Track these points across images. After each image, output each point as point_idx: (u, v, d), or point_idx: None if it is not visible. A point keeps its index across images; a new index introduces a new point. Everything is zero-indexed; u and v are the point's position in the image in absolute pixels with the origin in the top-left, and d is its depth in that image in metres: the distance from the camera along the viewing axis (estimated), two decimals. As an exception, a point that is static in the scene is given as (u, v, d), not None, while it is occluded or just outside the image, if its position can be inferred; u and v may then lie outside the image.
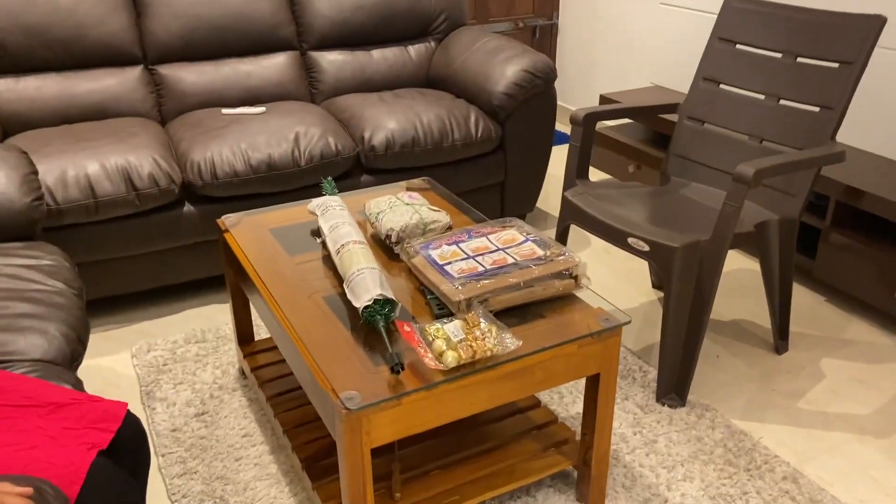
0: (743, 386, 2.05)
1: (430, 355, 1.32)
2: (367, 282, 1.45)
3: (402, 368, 1.27)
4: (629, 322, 1.47)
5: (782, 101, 2.08)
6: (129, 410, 1.25)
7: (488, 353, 1.33)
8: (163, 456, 1.79)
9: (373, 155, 2.45)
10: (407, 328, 1.37)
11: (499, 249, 1.61)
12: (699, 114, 2.24)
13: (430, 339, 1.35)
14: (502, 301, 1.48)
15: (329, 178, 1.95)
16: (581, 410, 1.91)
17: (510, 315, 1.49)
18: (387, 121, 2.49)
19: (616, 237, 1.93)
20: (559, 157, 3.65)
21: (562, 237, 2.13)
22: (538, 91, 2.63)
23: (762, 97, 2.12)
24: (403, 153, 2.47)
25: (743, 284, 2.55)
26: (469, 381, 1.33)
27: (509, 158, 2.69)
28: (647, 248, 1.87)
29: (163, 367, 2.10)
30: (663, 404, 1.96)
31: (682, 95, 3.16)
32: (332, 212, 1.74)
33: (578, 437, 1.65)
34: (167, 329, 2.30)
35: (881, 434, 1.87)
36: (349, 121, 2.57)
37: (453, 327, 1.36)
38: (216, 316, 2.37)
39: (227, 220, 1.89)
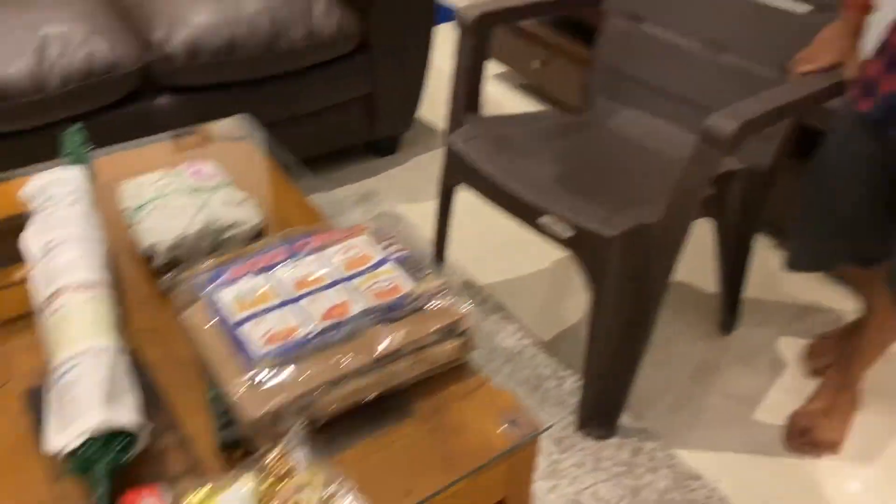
0: (685, 389, 1.56)
1: (193, 558, 0.70)
2: (81, 390, 0.78)
3: None
4: (550, 427, 0.89)
5: (756, -5, 1.45)
6: None
7: (307, 542, 0.72)
8: None
9: (170, 68, 1.66)
10: (149, 500, 0.73)
11: (337, 283, 0.96)
12: (636, 8, 1.58)
13: (196, 518, 0.72)
14: (339, 400, 0.85)
15: (77, 126, 1.20)
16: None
17: (351, 417, 0.87)
18: (190, 12, 1.68)
19: (521, 212, 1.31)
20: (444, 40, 2.91)
21: (444, 204, 1.48)
22: (412, -37, 1.87)
23: (727, -13, 1.48)
24: (218, 63, 1.69)
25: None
26: (272, 593, 0.72)
27: (377, 60, 1.95)
28: (569, 232, 1.26)
29: None
30: (586, 435, 1.43)
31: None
32: (54, 211, 1.02)
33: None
34: None
35: (863, 460, 1.43)
36: (134, 11, 1.74)
37: (238, 498, 0.72)
38: None
39: None
